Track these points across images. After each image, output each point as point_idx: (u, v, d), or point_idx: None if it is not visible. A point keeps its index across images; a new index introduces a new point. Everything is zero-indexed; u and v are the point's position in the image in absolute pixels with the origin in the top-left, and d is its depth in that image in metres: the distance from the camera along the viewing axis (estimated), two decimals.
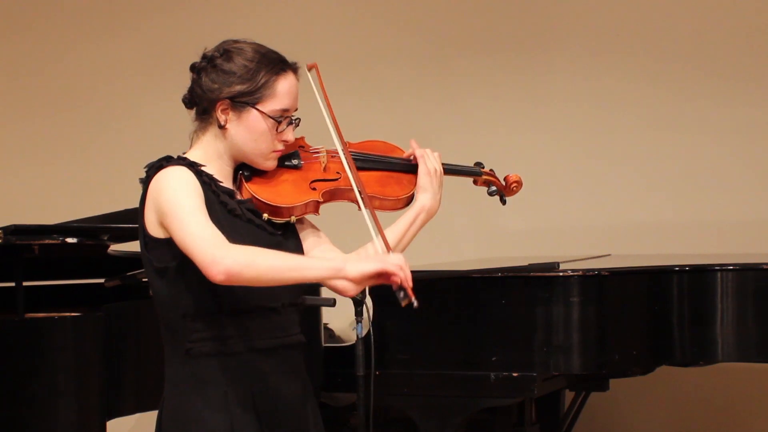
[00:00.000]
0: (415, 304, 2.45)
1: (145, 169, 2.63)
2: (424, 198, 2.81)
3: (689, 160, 5.69)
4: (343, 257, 2.64)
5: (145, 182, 2.61)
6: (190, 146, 2.69)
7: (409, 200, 2.83)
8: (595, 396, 4.93)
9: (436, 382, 4.01)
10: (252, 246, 2.49)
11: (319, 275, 2.49)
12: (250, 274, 2.45)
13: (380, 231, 2.61)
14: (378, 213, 2.76)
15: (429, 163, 2.82)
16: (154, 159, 2.64)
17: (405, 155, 2.86)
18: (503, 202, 3.01)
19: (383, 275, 2.47)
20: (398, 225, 2.79)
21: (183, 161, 2.61)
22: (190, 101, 2.69)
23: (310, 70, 2.75)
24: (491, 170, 2.99)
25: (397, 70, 6.04)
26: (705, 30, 5.69)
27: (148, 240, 2.60)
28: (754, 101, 5.63)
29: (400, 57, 6.05)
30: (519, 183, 3.00)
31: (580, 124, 5.82)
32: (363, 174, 2.77)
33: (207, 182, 2.61)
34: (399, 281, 2.46)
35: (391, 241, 2.71)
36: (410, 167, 2.85)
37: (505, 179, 3.00)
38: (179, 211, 2.50)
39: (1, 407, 3.69)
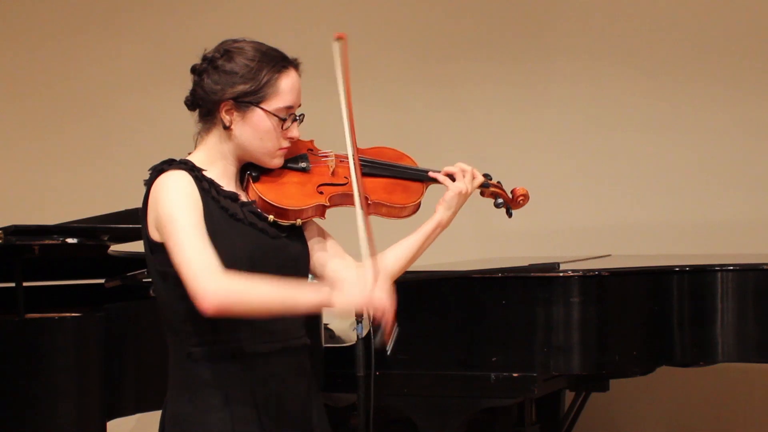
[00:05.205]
0: (388, 350, 2.51)
1: (149, 171, 2.63)
2: (445, 214, 2.82)
3: (689, 160, 5.69)
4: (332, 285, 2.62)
5: (148, 184, 2.61)
6: (195, 148, 2.69)
7: (416, 209, 2.83)
8: (596, 396, 4.93)
9: (436, 383, 4.00)
10: (248, 276, 2.48)
11: (310, 304, 2.52)
12: (240, 309, 2.47)
13: (371, 245, 2.60)
14: (383, 220, 2.76)
15: (462, 184, 2.83)
16: (156, 160, 2.64)
17: (443, 172, 2.85)
18: (509, 214, 3.03)
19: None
20: (416, 237, 2.80)
21: (185, 165, 2.61)
22: (192, 103, 2.68)
23: (337, 40, 2.68)
24: (498, 182, 2.98)
25: (398, 75, 6.04)
26: (704, 32, 5.69)
27: (151, 244, 2.60)
28: (754, 102, 5.63)
29: (401, 61, 6.04)
30: (526, 196, 2.99)
31: (581, 125, 5.82)
32: (370, 180, 2.77)
33: (207, 188, 2.60)
34: (379, 321, 2.52)
35: (407, 253, 2.76)
36: (418, 176, 2.85)
37: (512, 192, 2.99)
38: (176, 227, 2.50)
39: (1, 407, 3.69)
